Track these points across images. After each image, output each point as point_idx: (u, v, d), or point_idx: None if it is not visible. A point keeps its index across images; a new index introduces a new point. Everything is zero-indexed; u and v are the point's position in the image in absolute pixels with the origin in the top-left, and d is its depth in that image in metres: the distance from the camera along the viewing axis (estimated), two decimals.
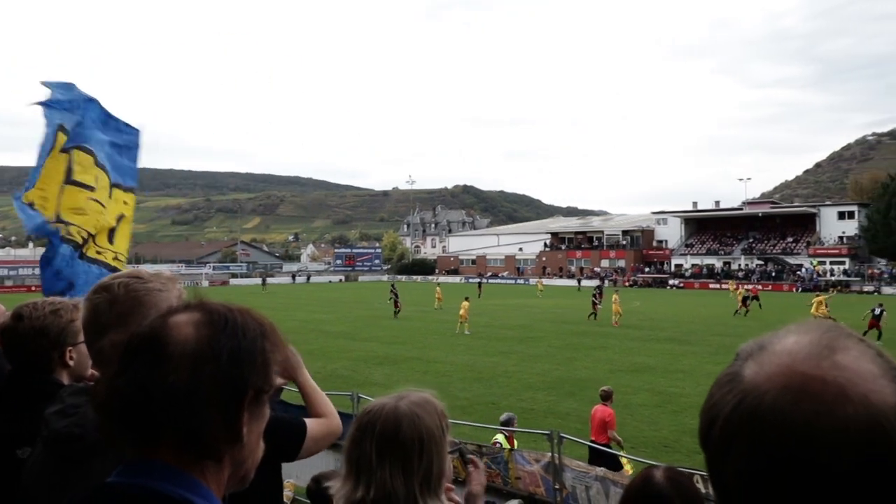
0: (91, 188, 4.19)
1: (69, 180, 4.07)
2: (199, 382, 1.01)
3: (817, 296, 31.56)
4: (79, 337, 2.08)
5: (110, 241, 4.41)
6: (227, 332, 1.06)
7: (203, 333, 1.05)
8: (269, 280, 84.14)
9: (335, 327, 30.86)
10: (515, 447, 8.73)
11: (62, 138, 4.06)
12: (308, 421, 2.27)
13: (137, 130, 4.88)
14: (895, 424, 0.66)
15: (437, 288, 47.41)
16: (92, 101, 4.36)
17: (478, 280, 68.59)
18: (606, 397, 9.55)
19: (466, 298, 30.69)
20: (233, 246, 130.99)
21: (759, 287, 56.77)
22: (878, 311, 25.81)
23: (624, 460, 8.83)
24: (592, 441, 9.08)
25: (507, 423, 9.12)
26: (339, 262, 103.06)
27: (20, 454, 1.91)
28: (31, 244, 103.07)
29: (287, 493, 8.39)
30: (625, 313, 32.17)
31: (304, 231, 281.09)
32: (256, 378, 1.06)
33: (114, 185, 4.49)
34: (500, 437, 9.02)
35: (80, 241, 4.08)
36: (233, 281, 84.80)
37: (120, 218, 4.54)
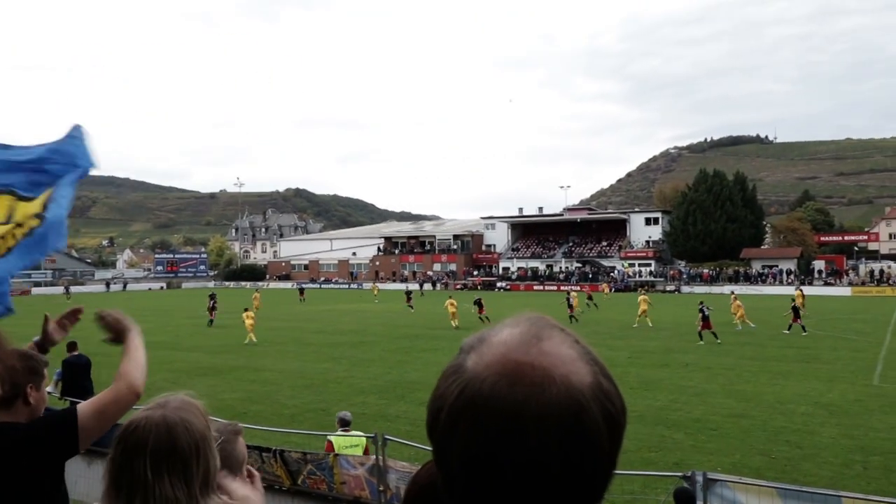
0: None
1: None
2: None
3: (642, 296, 33.40)
4: None
5: None
6: None
7: None
8: (80, 288, 77.43)
9: (155, 337, 28.96)
10: (356, 445, 8.50)
11: None
12: (82, 404, 2.22)
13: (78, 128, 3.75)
14: (590, 401, 0.75)
15: (256, 294, 46.47)
16: None
17: (299, 286, 67.97)
18: None
19: (246, 310, 29.69)
20: None
21: (581, 288, 60.66)
22: (707, 312, 25.84)
23: None
24: None
25: (344, 421, 8.81)
26: (160, 268, 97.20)
27: None
28: None
29: None
30: (448, 315, 33.20)
31: (121, 235, 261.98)
32: None
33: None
34: (333, 438, 8.64)
35: None
36: (35, 290, 77.15)
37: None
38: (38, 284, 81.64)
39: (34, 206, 3.61)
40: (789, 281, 63.85)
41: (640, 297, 32.90)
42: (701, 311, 26.06)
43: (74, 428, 2.12)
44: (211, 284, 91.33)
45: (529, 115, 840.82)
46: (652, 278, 71.18)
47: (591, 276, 75.06)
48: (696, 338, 25.62)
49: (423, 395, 16.61)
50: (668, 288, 66.61)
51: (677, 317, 34.96)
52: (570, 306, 35.00)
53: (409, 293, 47.18)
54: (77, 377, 12.15)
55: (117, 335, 2.45)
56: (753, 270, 68.18)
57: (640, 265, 74.85)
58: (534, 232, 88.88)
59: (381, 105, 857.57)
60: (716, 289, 63.80)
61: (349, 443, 8.51)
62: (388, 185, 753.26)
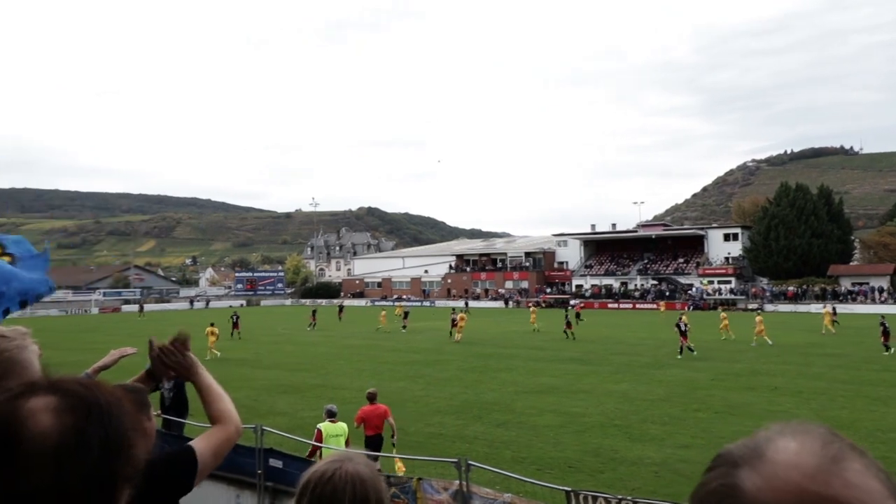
0: None
1: None
2: (65, 483, 0.81)
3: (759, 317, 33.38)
4: None
5: None
6: (92, 418, 0.87)
7: (66, 422, 0.85)
8: (165, 306, 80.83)
9: (235, 354, 29.86)
10: (342, 431, 10.22)
11: None
12: (196, 441, 2.19)
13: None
14: None
15: (383, 312, 46.74)
16: None
17: (338, 303, 68.05)
18: (375, 397, 11.38)
19: (212, 324, 30.09)
20: (125, 270, 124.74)
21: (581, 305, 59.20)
22: (684, 328, 27.47)
23: (399, 463, 10.56)
24: (374, 434, 10.99)
25: (331, 412, 10.42)
26: (240, 286, 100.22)
27: None
28: None
29: None
30: (522, 333, 32.93)
31: (203, 254, 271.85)
32: (128, 468, 0.89)
33: None
34: (322, 426, 10.18)
35: None
36: (125, 307, 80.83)
37: None
38: (127, 302, 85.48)
39: None
40: (882, 299, 60.57)
41: (757, 318, 32.53)
42: (678, 325, 27.78)
43: (194, 467, 2.12)
44: (288, 302, 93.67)
45: (599, 130, 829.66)
46: (732, 296, 68.82)
47: (667, 293, 73.21)
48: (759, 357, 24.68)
49: (499, 417, 16.45)
50: (750, 306, 64.20)
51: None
52: (569, 324, 36.11)
53: (407, 313, 45.05)
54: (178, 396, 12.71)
55: (181, 372, 2.29)
56: (842, 288, 64.99)
57: (719, 282, 72.50)
58: (607, 249, 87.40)
59: (450, 123, 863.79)
60: (801, 307, 61.19)
61: (335, 432, 10.11)
62: (458, 202, 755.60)
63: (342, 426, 10.32)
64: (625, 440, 13.84)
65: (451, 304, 71.33)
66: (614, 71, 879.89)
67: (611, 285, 79.75)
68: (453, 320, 36.84)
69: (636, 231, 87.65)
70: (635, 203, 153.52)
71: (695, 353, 26.87)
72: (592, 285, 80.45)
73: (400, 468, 10.31)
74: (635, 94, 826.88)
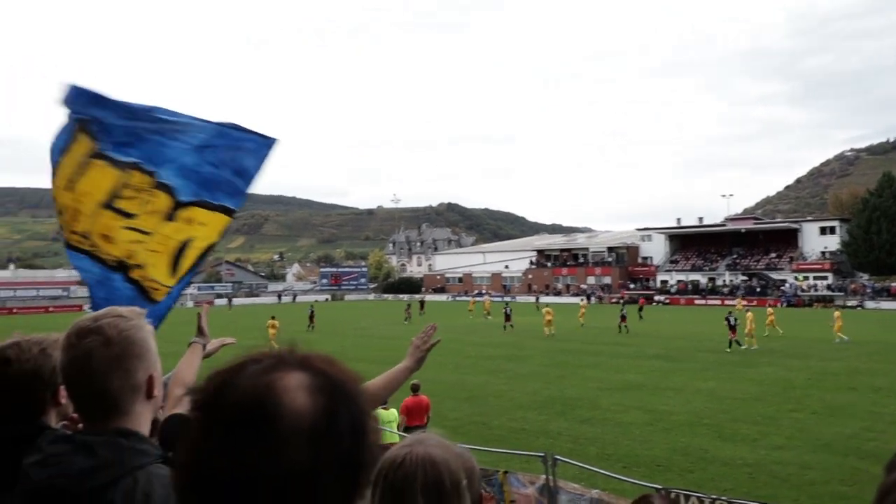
0: (130, 216, 3.44)
1: (109, 205, 3.39)
2: (318, 467, 0.79)
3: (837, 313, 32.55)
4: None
5: (173, 270, 3.58)
6: (341, 399, 0.84)
7: (319, 403, 0.82)
8: (255, 300, 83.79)
9: (322, 347, 30.09)
10: (394, 418, 10.67)
11: (86, 142, 3.35)
12: None
13: (271, 141, 3.90)
14: None
15: (472, 299, 48.15)
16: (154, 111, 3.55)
17: (420, 298, 68.18)
18: (419, 388, 11.44)
19: (272, 317, 31.49)
20: (217, 266, 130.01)
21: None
22: (733, 322, 27.84)
23: None
24: (417, 425, 10.95)
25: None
26: (324, 281, 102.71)
27: None
28: (11, 266, 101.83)
29: None
30: (606, 329, 32.41)
31: (289, 250, 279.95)
32: (369, 456, 0.86)
33: (189, 204, 3.63)
34: (377, 412, 10.64)
35: (109, 261, 3.47)
36: (218, 301, 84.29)
37: (185, 243, 3.65)
38: (220, 296, 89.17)
39: (198, 229, 3.77)
40: None
41: (836, 314, 31.74)
42: (727, 321, 28.13)
43: None
44: (371, 297, 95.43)
45: (685, 121, 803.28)
46: (830, 292, 65.55)
47: (758, 289, 70.43)
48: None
49: (583, 413, 16.25)
50: (849, 303, 60.96)
51: (862, 335, 31.83)
52: (623, 318, 36.34)
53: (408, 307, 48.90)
54: None
55: (419, 358, 2.60)
56: None
57: (814, 278, 69.19)
58: (693, 243, 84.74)
59: (529, 118, 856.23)
60: None
61: (388, 418, 10.47)
62: (538, 197, 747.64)
63: (393, 413, 10.78)
64: (715, 440, 13.42)
65: (531, 299, 70.74)
66: (702, 60, 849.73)
67: (698, 281, 77.39)
68: (507, 314, 38.72)
69: (724, 225, 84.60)
70: (723, 196, 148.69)
71: (743, 347, 27.13)
72: (678, 281, 78.29)
73: None
74: (724, 83, 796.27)
